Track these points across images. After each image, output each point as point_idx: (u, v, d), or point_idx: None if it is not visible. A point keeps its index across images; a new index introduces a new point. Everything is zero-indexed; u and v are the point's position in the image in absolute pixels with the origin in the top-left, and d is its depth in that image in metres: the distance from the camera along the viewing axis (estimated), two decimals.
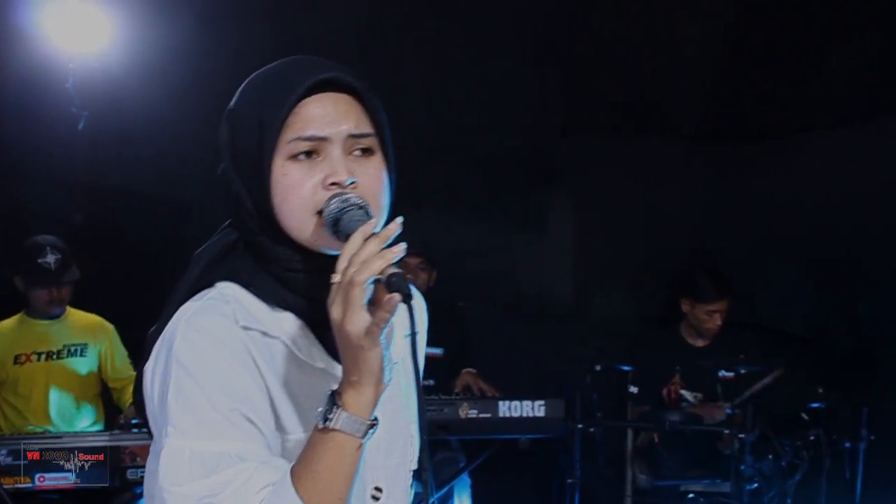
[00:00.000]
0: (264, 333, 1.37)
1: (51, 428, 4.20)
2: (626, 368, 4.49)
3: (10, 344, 4.36)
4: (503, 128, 5.40)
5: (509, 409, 4.17)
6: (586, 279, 5.65)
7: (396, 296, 1.23)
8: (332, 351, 1.36)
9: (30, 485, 3.60)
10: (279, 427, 1.37)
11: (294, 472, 1.27)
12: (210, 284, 1.41)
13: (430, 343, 4.98)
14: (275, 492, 1.26)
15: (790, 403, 4.52)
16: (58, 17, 4.72)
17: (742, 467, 3.93)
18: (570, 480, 4.13)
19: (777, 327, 5.20)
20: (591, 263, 5.66)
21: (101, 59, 4.96)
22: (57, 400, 4.32)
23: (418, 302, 1.60)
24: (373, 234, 1.27)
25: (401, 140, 4.69)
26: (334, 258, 1.29)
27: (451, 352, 4.72)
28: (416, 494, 4.19)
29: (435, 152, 5.33)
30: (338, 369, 1.34)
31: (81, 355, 4.43)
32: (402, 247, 1.26)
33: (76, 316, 4.52)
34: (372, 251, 1.24)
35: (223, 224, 1.48)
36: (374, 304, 1.26)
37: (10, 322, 4.44)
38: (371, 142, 1.41)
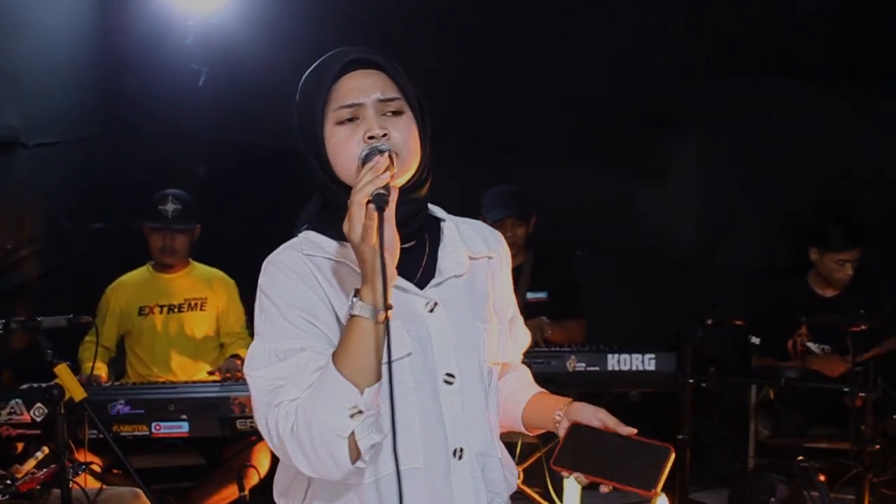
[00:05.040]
0: (330, 259, 1.75)
1: (172, 378, 4.37)
2: (738, 322, 4.31)
3: (135, 296, 4.55)
4: (623, 71, 5.24)
5: (618, 362, 4.08)
6: (710, 228, 5.44)
7: (371, 205, 1.56)
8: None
9: (146, 433, 3.76)
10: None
11: (334, 354, 1.62)
12: (296, 235, 1.82)
13: (534, 287, 4.95)
14: (323, 370, 1.63)
15: None
16: None
17: (863, 427, 3.74)
18: (680, 436, 4.01)
19: None
20: (716, 212, 5.44)
21: (218, 16, 5.08)
22: (177, 352, 4.50)
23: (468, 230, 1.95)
24: (375, 168, 1.61)
25: (519, 88, 4.62)
26: None
27: (555, 297, 4.68)
28: (525, 445, 4.18)
29: (554, 99, 5.23)
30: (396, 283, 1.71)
31: (201, 309, 4.57)
32: (383, 164, 1.61)
33: (199, 270, 4.67)
34: (366, 179, 1.58)
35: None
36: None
37: (135, 274, 4.63)
38: (399, 104, 1.76)
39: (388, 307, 1.56)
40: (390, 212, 1.59)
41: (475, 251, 1.91)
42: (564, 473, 1.70)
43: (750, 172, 5.33)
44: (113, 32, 5.00)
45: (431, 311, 1.78)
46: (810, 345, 4.57)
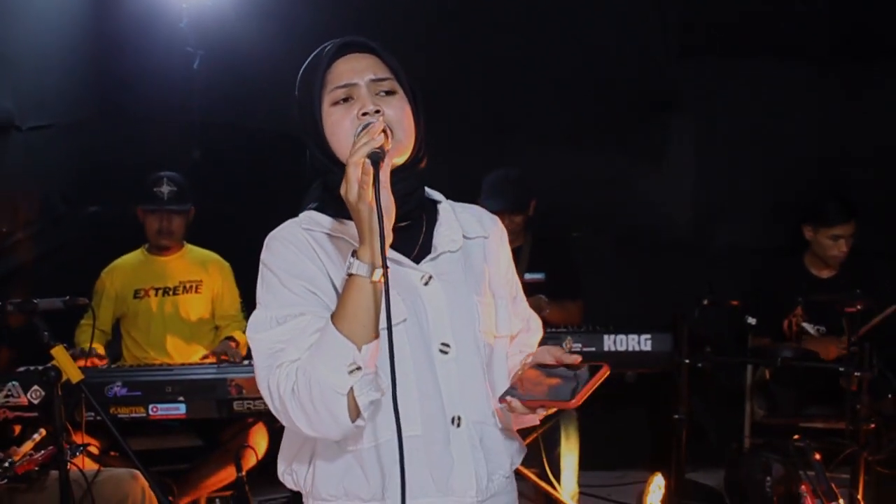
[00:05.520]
0: (329, 235, 1.83)
1: (168, 361, 4.37)
2: (734, 303, 4.31)
3: (131, 279, 4.54)
4: (619, 53, 5.22)
5: (614, 342, 4.09)
6: (707, 209, 5.44)
7: (366, 160, 1.63)
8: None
9: (143, 414, 3.77)
10: None
11: (333, 314, 1.69)
12: (297, 215, 1.90)
13: (532, 268, 4.92)
14: (322, 330, 1.69)
15: None
16: None
17: (858, 406, 3.74)
18: (676, 416, 4.02)
19: None
20: (713, 193, 5.43)
21: None
22: (172, 335, 4.49)
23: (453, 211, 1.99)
24: (370, 131, 1.68)
25: (517, 72, 4.60)
26: None
27: (553, 278, 4.65)
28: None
29: (552, 82, 5.22)
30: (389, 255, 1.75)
31: (196, 292, 4.57)
32: (378, 127, 1.68)
33: (194, 253, 4.66)
34: (362, 142, 1.65)
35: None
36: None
37: (130, 257, 4.62)
38: (390, 84, 1.84)
39: (384, 266, 1.61)
40: (385, 176, 1.65)
41: (470, 231, 1.97)
42: (503, 404, 1.76)
43: (747, 154, 5.32)
44: (107, 15, 4.96)
45: (426, 284, 1.84)
46: (805, 325, 4.57)
